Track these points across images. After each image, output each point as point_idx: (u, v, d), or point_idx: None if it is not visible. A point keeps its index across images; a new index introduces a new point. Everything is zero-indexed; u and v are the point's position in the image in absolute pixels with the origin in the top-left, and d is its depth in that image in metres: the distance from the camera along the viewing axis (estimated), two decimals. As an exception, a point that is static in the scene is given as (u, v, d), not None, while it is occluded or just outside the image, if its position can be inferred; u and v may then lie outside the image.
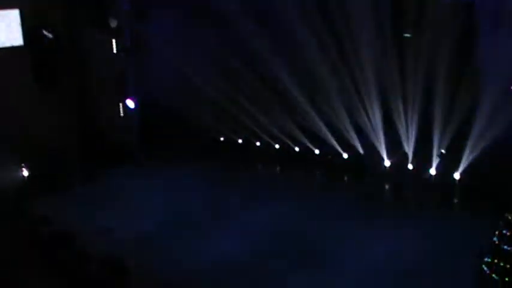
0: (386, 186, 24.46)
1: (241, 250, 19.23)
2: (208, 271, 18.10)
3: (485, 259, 17.19)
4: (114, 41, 26.81)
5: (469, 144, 21.89)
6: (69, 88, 26.97)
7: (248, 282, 17.57)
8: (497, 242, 17.08)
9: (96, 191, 24.58)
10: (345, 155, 25.69)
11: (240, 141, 28.71)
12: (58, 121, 26.33)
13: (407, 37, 23.97)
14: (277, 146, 27.71)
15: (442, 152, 22.92)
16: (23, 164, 24.82)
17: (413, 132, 23.79)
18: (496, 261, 17.02)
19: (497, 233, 17.12)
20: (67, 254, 18.51)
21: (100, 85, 27.76)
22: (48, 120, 25.89)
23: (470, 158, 22.01)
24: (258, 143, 28.17)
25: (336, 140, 25.68)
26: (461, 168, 22.28)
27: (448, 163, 22.69)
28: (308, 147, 26.68)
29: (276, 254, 19.00)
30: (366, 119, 24.98)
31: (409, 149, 24.10)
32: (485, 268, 17.17)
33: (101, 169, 25.71)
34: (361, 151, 25.29)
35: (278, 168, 27.27)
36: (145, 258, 18.87)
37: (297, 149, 27.19)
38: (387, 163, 24.48)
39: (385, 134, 24.56)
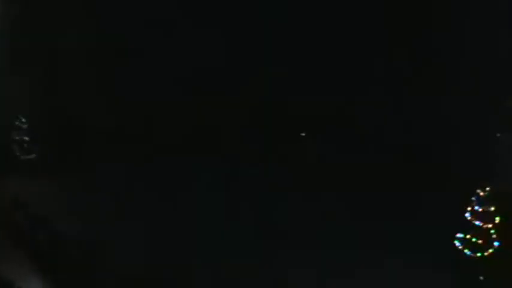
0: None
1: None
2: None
3: (458, 235, 17.57)
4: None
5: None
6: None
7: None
8: (469, 218, 17.43)
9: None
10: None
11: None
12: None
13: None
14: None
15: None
16: None
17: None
18: (468, 237, 17.40)
19: (469, 209, 17.45)
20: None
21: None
22: None
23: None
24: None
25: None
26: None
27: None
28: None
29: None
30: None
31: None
32: (457, 244, 17.55)
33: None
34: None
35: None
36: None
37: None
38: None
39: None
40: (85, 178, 23.72)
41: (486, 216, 17.30)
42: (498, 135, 20.29)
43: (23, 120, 24.23)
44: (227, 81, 24.93)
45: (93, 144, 25.70)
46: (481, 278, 16.97)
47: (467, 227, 17.46)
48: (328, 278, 17.22)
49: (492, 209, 17.32)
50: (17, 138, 24.29)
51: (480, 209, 17.31)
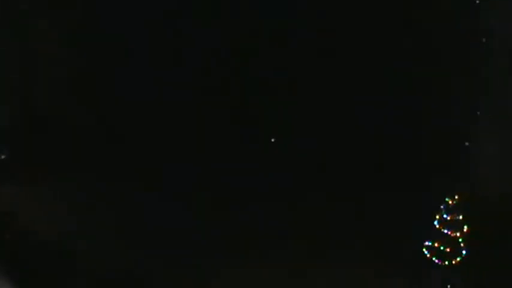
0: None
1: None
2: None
3: (426, 243, 17.59)
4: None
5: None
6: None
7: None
8: (438, 226, 17.47)
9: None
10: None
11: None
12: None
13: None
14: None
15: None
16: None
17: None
18: (436, 245, 17.43)
19: (438, 217, 17.49)
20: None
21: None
22: None
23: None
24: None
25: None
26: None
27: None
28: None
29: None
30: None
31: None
32: (425, 252, 17.58)
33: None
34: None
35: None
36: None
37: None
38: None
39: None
40: (56, 178, 23.56)
41: (454, 225, 17.33)
42: (466, 144, 20.36)
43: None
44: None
45: (66, 144, 25.55)
46: (449, 286, 17.09)
47: (436, 235, 17.48)
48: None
49: (460, 217, 17.36)
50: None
51: (448, 217, 17.34)
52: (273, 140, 24.80)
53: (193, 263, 18.00)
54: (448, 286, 17.23)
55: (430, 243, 17.55)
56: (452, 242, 17.32)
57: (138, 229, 19.82)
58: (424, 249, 17.63)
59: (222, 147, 24.10)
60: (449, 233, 17.33)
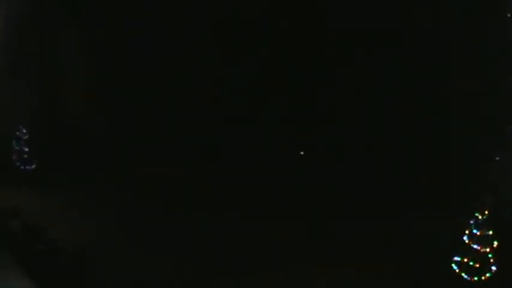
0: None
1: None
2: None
3: (455, 258, 17.37)
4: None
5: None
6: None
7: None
8: (467, 242, 17.24)
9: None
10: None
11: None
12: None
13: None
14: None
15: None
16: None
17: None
18: (466, 260, 17.20)
19: (467, 232, 17.27)
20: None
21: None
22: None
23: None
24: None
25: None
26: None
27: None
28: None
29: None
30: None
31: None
32: (455, 267, 17.36)
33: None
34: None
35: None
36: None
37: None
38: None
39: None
40: (83, 189, 23.83)
41: (484, 240, 17.08)
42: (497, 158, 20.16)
43: (24, 130, 24.26)
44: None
45: (92, 155, 25.81)
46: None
47: (465, 251, 17.26)
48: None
49: (490, 232, 17.11)
50: (17, 148, 24.31)
51: (478, 233, 17.10)
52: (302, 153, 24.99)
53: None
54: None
55: (459, 259, 17.31)
56: (481, 257, 17.04)
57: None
58: (453, 265, 17.38)
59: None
60: (478, 248, 17.07)
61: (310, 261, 18.55)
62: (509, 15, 20.67)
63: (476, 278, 17.01)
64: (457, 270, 17.21)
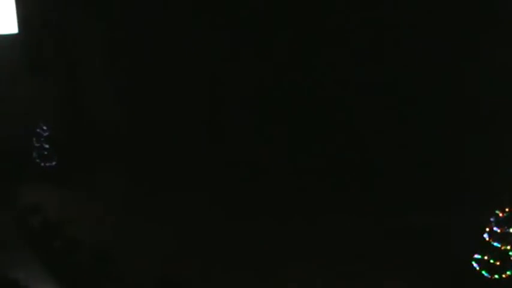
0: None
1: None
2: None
3: (476, 256, 17.24)
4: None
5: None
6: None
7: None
8: (487, 239, 17.10)
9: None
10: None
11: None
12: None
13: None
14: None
15: None
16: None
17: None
18: (486, 258, 17.06)
19: (487, 230, 17.13)
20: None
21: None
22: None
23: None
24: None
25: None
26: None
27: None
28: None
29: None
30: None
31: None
32: (475, 265, 17.22)
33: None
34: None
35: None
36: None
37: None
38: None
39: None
40: (103, 186, 23.98)
41: (505, 238, 16.93)
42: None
43: (44, 127, 24.39)
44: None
45: (112, 152, 25.95)
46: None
47: (486, 248, 17.12)
48: None
49: (511, 230, 16.95)
50: (38, 145, 24.46)
51: (498, 230, 16.96)
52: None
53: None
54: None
55: (479, 256, 17.18)
56: (502, 255, 16.90)
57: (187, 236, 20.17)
58: (473, 263, 17.26)
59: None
60: (499, 246, 16.92)
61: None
62: None
63: (497, 276, 16.91)
64: (478, 268, 17.11)
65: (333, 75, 23.45)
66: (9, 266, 17.62)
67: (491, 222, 17.09)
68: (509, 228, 16.89)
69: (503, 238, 16.89)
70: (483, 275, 17.01)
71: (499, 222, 16.96)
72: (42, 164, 24.48)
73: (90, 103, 26.86)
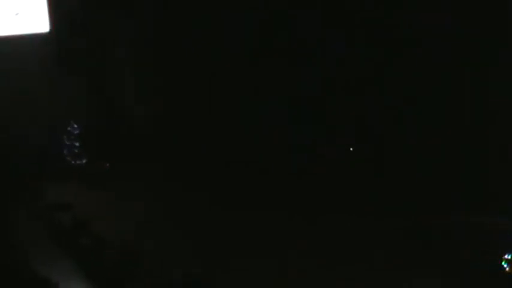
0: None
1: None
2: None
3: (506, 256, 16.91)
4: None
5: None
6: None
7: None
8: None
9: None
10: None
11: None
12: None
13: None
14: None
15: None
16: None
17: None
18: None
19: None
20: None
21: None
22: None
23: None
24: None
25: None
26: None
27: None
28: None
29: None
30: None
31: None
32: (505, 265, 16.89)
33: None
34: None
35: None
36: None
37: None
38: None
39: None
40: (134, 184, 24.12)
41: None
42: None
43: (75, 125, 24.65)
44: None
45: (143, 151, 26.07)
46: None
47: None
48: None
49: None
50: (68, 143, 24.72)
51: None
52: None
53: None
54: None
55: (509, 257, 16.84)
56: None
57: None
58: (503, 263, 16.91)
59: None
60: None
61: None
62: None
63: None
64: (508, 269, 16.79)
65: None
66: (39, 263, 17.74)
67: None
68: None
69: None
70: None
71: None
72: (73, 162, 24.75)
73: (120, 102, 27.07)
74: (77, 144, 24.65)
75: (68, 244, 19.13)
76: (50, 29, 25.97)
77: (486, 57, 20.97)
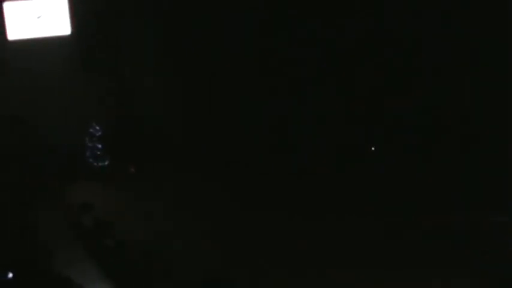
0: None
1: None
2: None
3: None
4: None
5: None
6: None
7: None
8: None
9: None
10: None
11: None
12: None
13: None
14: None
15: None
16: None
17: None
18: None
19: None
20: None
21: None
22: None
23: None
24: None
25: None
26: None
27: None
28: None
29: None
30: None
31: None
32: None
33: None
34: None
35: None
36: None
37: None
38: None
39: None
40: (156, 186, 24.19)
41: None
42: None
43: (97, 127, 24.75)
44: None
45: (165, 153, 26.16)
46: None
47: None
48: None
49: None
50: (90, 145, 24.84)
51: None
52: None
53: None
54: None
55: None
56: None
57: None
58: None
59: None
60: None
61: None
62: None
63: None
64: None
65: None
66: (62, 264, 17.82)
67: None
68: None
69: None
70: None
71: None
72: (95, 164, 24.87)
73: (142, 104, 27.17)
74: (99, 145, 24.77)
75: (91, 245, 19.21)
76: (72, 32, 26.11)
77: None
